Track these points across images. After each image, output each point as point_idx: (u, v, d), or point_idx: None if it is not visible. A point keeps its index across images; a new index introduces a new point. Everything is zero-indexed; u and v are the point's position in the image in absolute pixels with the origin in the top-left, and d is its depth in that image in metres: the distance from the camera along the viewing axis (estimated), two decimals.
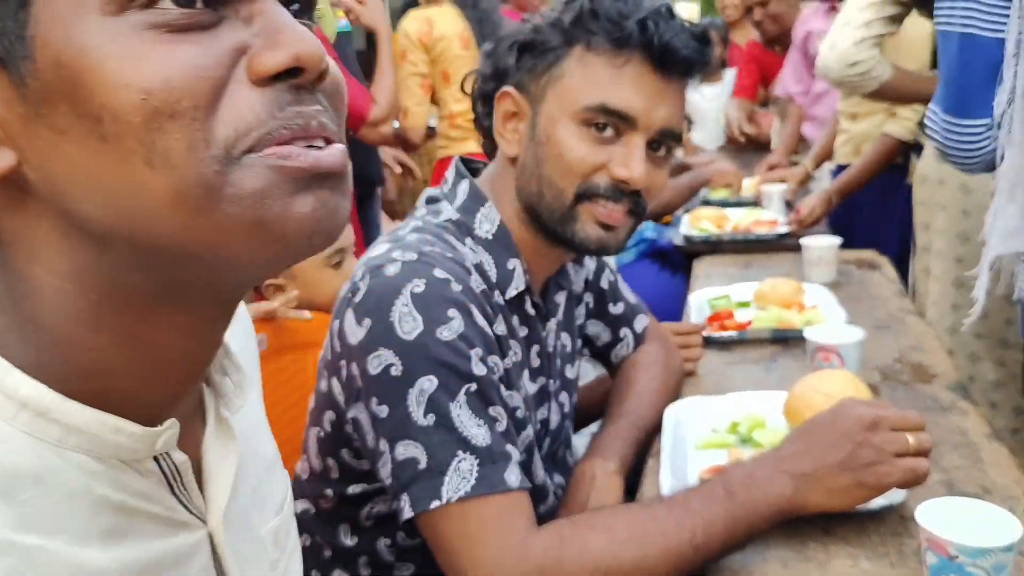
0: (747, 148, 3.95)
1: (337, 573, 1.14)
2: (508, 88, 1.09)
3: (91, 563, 0.44)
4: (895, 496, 1.03)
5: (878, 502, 1.03)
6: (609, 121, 1.04)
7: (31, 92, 0.41)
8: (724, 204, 2.93)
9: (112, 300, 0.45)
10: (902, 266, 2.28)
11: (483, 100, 1.15)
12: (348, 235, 1.62)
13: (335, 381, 1.05)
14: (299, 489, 1.18)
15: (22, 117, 0.42)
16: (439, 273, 0.98)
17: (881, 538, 1.00)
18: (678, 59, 1.04)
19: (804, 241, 2.04)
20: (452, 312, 0.97)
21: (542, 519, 0.98)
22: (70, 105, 0.41)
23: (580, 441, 1.47)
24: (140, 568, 0.47)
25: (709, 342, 1.65)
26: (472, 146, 2.65)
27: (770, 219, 2.58)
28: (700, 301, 1.87)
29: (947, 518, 0.86)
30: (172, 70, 0.41)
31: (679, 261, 2.84)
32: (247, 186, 0.42)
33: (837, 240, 2.03)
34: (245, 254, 0.44)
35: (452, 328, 0.96)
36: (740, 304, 1.82)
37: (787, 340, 1.64)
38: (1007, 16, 1.26)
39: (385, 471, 0.97)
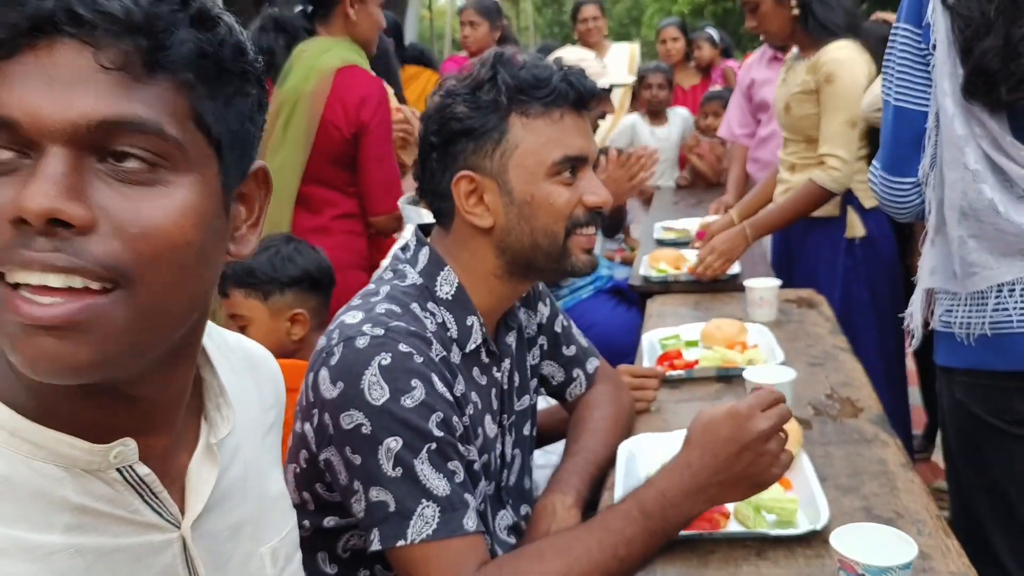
0: (705, 187, 4.12)
1: None
2: (464, 172, 1.22)
3: (49, 545, 0.58)
4: (819, 522, 1.16)
5: (804, 527, 1.16)
6: (570, 166, 1.22)
7: None
8: (675, 244, 3.09)
9: None
10: (844, 318, 2.30)
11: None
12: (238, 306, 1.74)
13: (308, 426, 1.17)
14: None
15: None
16: (403, 347, 1.12)
17: (807, 560, 1.13)
18: (589, 98, 1.23)
19: (748, 283, 2.19)
20: (415, 382, 1.11)
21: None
22: None
23: (541, 474, 1.59)
24: (95, 555, 0.61)
25: (661, 380, 1.78)
26: None
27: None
28: (652, 340, 2.01)
29: (858, 541, 1.00)
30: None
31: (634, 296, 2.99)
32: None
33: (777, 282, 2.19)
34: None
35: (414, 396, 1.10)
36: (688, 343, 1.96)
37: (730, 378, 1.78)
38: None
39: (358, 507, 1.11)
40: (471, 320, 1.25)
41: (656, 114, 4.44)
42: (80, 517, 0.60)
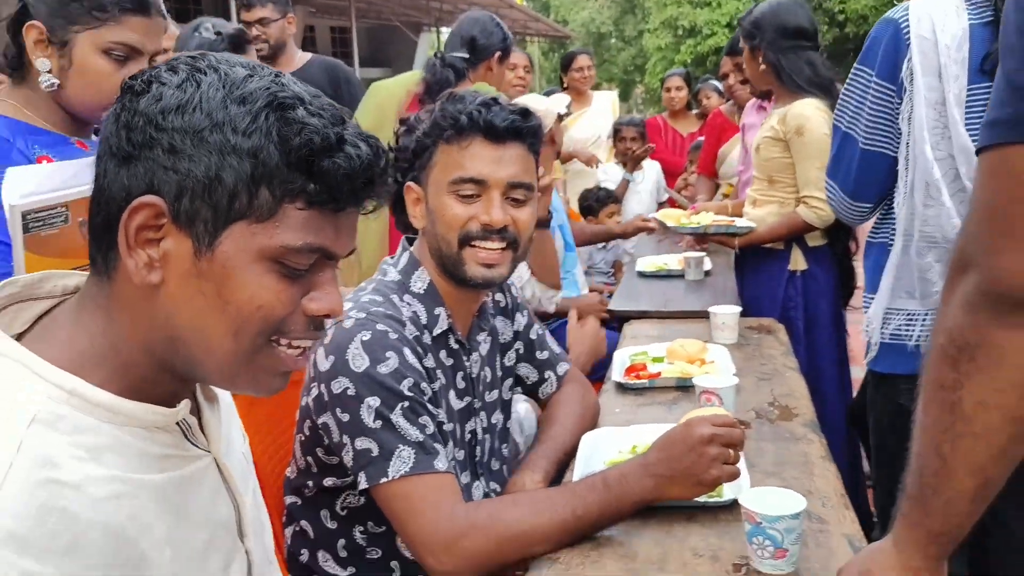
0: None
1: (321, 553, 1.48)
2: (409, 182, 1.53)
3: (152, 481, 0.81)
4: (739, 494, 1.39)
5: (728, 494, 1.40)
6: (468, 187, 1.44)
7: (200, 264, 0.78)
8: (655, 275, 3.35)
9: (157, 358, 0.82)
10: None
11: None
12: None
13: (309, 398, 1.42)
14: (288, 485, 1.53)
15: (185, 270, 0.79)
16: (380, 326, 1.39)
17: (727, 522, 1.36)
18: (502, 130, 1.46)
19: (712, 309, 2.44)
20: (389, 354, 1.37)
21: None
22: (215, 287, 0.78)
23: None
24: (177, 482, 0.85)
25: (627, 388, 2.03)
26: None
27: (727, 220, 2.96)
28: (623, 356, 2.25)
29: (760, 499, 1.23)
30: (278, 298, 0.80)
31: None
32: (264, 358, 0.82)
33: (737, 309, 2.44)
34: (228, 383, 0.86)
35: (389, 365, 1.36)
36: (656, 359, 2.20)
37: (687, 388, 2.02)
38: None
39: (347, 458, 1.36)
40: (439, 311, 1.52)
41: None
42: (162, 461, 0.83)
